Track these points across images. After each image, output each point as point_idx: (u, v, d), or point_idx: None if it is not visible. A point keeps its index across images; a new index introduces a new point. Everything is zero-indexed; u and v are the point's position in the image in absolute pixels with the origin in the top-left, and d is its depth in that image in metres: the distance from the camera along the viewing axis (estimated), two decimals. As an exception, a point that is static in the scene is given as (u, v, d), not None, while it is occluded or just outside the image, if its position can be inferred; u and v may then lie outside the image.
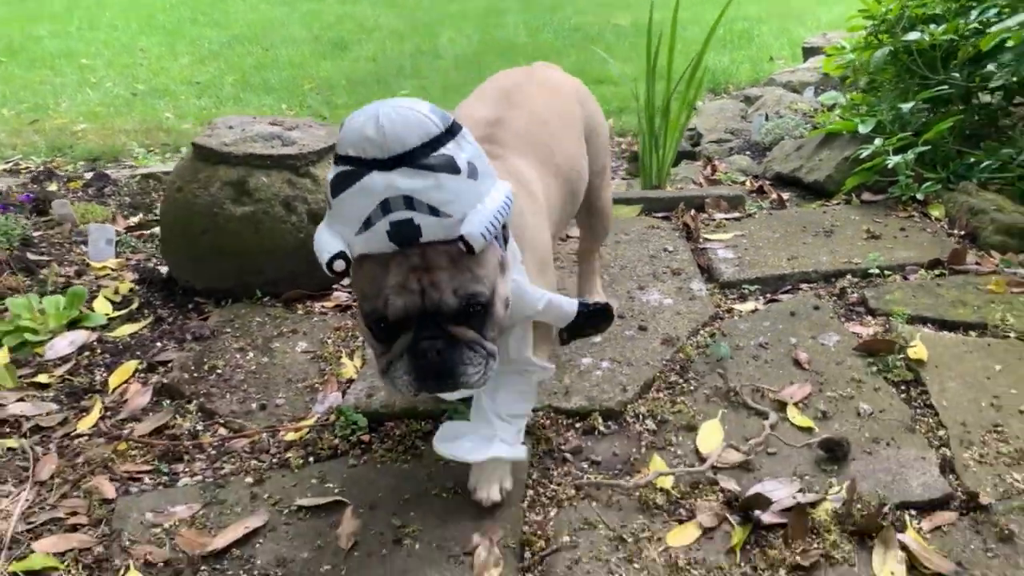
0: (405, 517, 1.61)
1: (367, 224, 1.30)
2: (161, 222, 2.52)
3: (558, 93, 1.98)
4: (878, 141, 2.91)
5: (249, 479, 1.74)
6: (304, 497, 1.67)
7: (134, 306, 2.44)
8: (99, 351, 2.22)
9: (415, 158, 1.28)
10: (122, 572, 1.51)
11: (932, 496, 1.60)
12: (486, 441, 1.59)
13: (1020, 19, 2.57)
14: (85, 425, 1.93)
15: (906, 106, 2.97)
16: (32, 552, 1.55)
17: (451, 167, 1.30)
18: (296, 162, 2.37)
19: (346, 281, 2.47)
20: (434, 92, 5.49)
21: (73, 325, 2.32)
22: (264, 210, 2.31)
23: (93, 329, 2.30)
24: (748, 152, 3.95)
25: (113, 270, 2.76)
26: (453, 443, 1.59)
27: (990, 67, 2.93)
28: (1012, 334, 2.07)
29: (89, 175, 3.88)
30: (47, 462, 1.80)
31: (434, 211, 1.29)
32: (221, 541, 1.56)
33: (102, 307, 2.42)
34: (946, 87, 2.97)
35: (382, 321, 1.35)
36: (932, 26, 3.06)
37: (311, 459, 1.80)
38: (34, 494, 1.72)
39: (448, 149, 1.30)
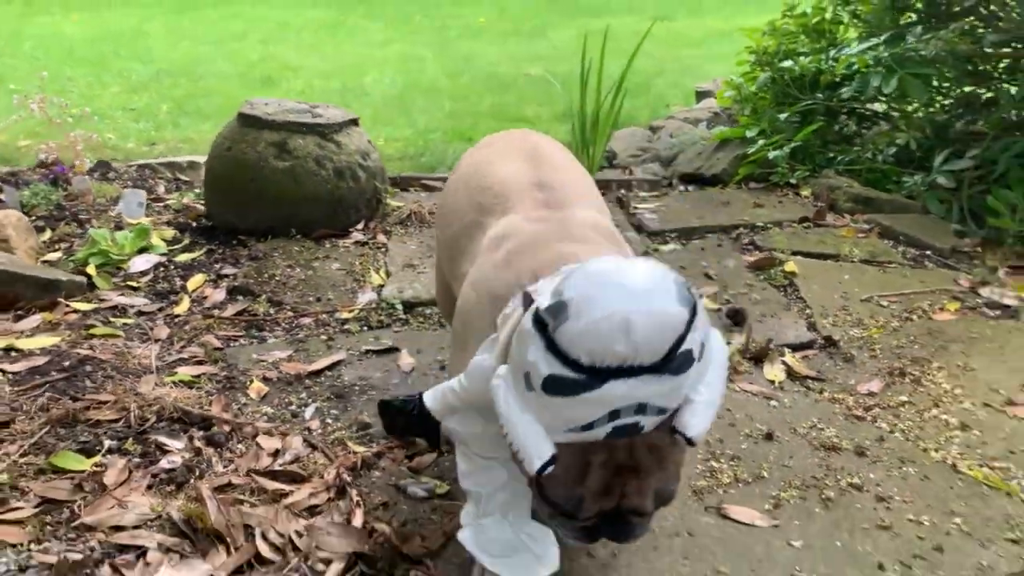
0: (447, 355, 2.27)
1: (587, 428, 1.10)
2: (206, 176, 3.12)
3: (569, 161, 1.75)
4: (761, 142, 3.78)
5: (323, 337, 2.37)
6: (367, 345, 2.31)
7: (185, 242, 3.02)
8: (171, 268, 2.79)
9: (662, 366, 1.07)
10: (248, 384, 2.11)
11: (802, 340, 2.37)
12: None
13: (864, 47, 3.49)
14: (180, 310, 2.51)
15: (782, 116, 3.85)
16: (176, 372, 2.14)
17: (690, 362, 1.09)
18: (324, 130, 3.03)
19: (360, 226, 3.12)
20: (367, 122, 5.98)
21: (141, 253, 2.88)
22: (301, 165, 2.95)
23: (160, 255, 2.87)
24: (657, 162, 4.79)
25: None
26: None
27: (844, 91, 3.85)
28: (856, 259, 2.91)
29: (90, 163, 4.38)
30: (160, 330, 2.37)
31: (662, 411, 1.11)
32: (315, 366, 2.19)
33: (158, 244, 2.98)
34: (811, 103, 3.87)
35: (569, 515, 1.21)
36: (801, 58, 3.98)
37: (365, 328, 2.44)
38: (159, 347, 2.29)
39: (688, 342, 1.08)
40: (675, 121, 6.03)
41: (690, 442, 1.12)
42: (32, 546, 1.51)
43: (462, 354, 1.40)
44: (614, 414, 1.08)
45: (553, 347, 1.06)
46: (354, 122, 3.16)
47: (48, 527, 1.56)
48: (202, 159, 4.18)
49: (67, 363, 2.14)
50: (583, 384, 1.05)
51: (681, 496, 1.66)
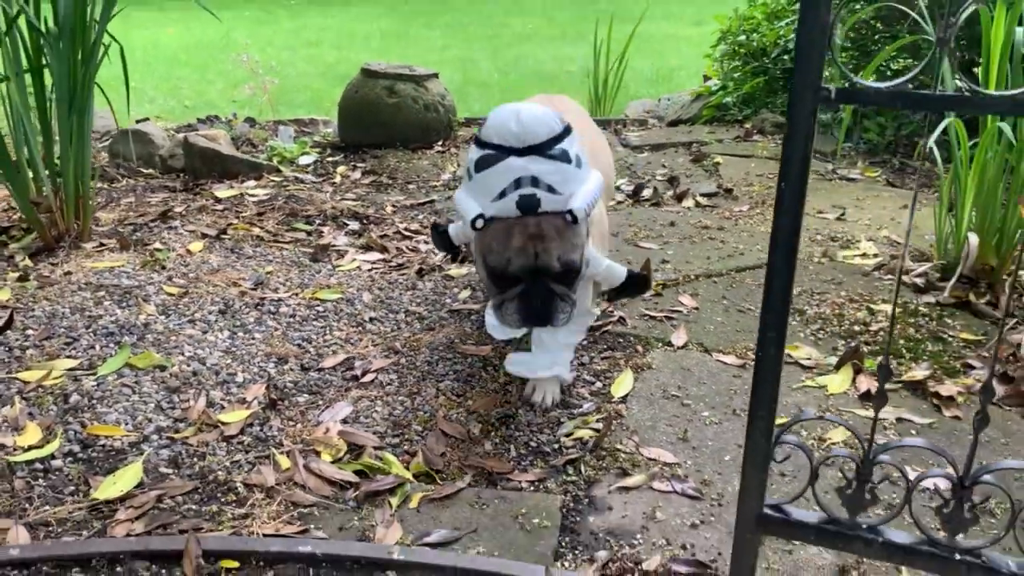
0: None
1: (502, 195, 1.65)
2: (340, 112, 4.76)
3: (582, 114, 2.64)
4: (720, 92, 5.32)
5: (422, 191, 3.98)
6: (448, 194, 3.91)
7: (328, 152, 4.67)
8: (324, 163, 4.44)
9: (543, 149, 1.64)
10: (383, 207, 3.72)
11: (710, 191, 3.90)
12: (548, 364, 1.96)
13: (786, 21, 5.01)
14: (336, 180, 4.14)
15: (736, 74, 5.39)
16: (342, 201, 3.76)
17: (566, 158, 1.66)
18: (418, 78, 4.66)
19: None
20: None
21: (302, 156, 4.53)
22: (403, 101, 4.58)
23: (315, 158, 4.52)
24: (656, 119, 6.34)
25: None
26: (522, 365, 1.98)
27: (776, 54, 5.37)
28: (763, 157, 4.44)
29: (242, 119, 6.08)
30: (327, 187, 4.01)
31: (552, 190, 1.65)
32: (420, 201, 3.79)
33: (312, 152, 4.63)
34: (758, 65, 5.39)
35: (503, 273, 1.72)
36: (754, 34, 5.51)
37: (446, 189, 4.04)
38: (328, 195, 3.91)
39: (564, 144, 1.67)
40: (679, 95, 7.58)
41: (574, 218, 1.66)
42: (298, 249, 3.14)
43: None
44: (518, 183, 1.64)
45: (478, 140, 1.74)
46: (435, 75, 4.79)
47: (300, 247, 3.19)
48: (319, 117, 5.88)
49: (280, 198, 3.78)
50: (493, 158, 1.67)
51: (616, 243, 3.23)
